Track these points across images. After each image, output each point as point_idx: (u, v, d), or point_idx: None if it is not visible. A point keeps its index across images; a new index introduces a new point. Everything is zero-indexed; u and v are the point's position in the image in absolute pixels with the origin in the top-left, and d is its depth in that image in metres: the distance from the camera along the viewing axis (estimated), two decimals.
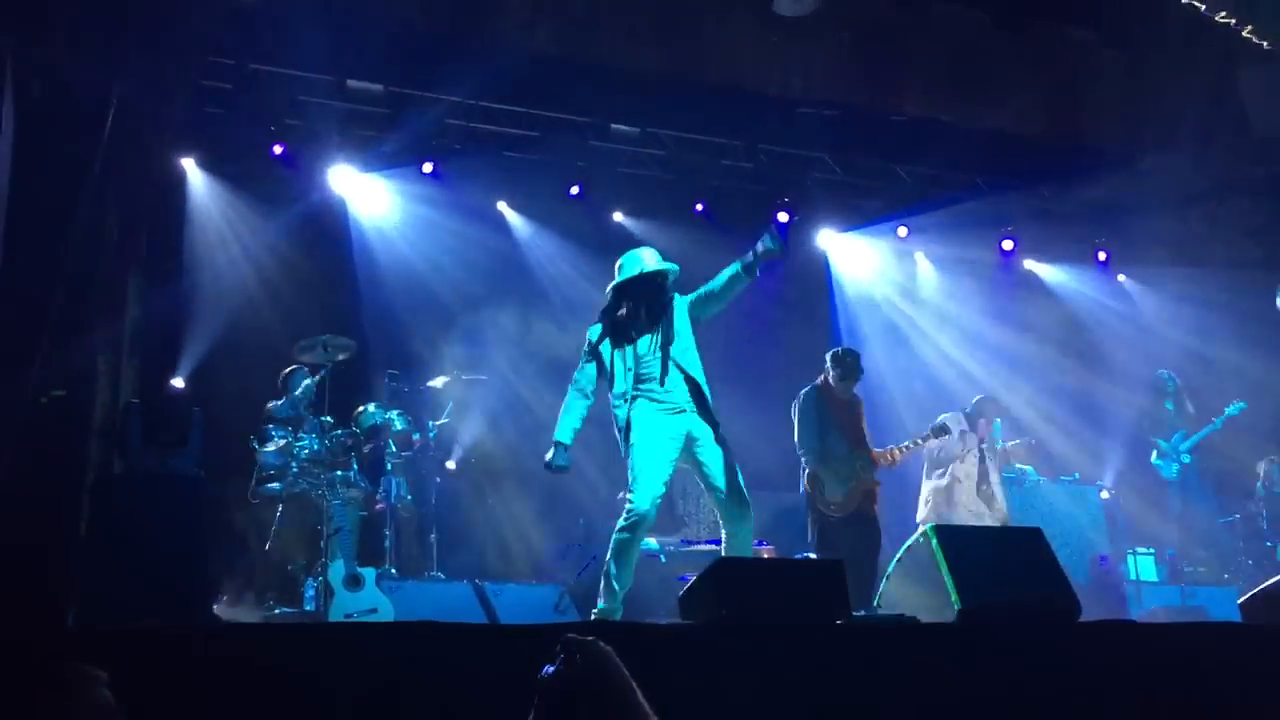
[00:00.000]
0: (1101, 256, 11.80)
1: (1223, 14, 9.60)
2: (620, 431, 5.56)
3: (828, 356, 7.68)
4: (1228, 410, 9.81)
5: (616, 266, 5.82)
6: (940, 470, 8.26)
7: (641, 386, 5.54)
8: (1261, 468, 10.01)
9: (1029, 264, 11.87)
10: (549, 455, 5.62)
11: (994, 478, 8.28)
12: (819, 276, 11.34)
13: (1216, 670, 4.44)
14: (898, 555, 5.00)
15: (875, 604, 4.98)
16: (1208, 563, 9.78)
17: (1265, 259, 10.53)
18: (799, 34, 8.96)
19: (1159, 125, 10.21)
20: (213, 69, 8.36)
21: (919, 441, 7.75)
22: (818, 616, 4.24)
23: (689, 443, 5.50)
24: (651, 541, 7.93)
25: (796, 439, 7.45)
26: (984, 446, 8.30)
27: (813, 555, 7.04)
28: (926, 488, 8.33)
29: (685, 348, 5.67)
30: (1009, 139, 10.21)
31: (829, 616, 4.28)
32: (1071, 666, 4.28)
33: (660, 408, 5.51)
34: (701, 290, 5.82)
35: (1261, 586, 5.18)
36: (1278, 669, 4.46)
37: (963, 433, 8.22)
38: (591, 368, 5.70)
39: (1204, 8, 9.38)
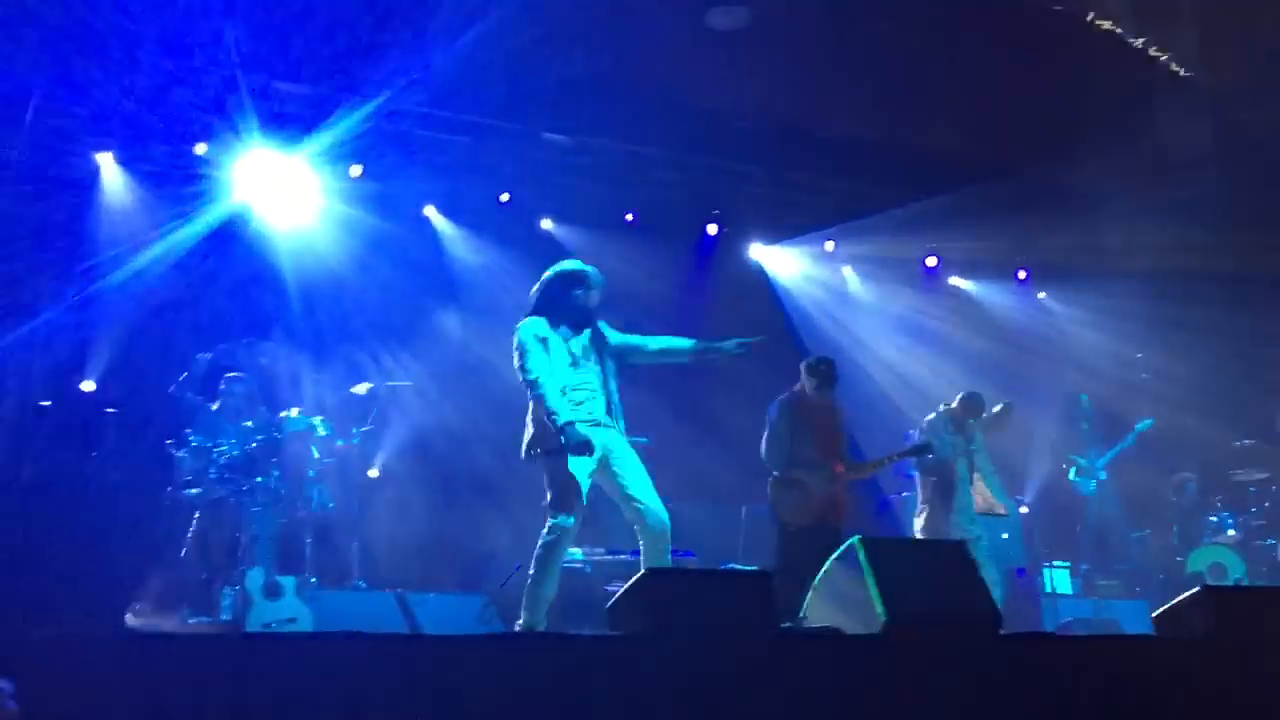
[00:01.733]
0: (1021, 275, 12.07)
1: (1142, 39, 9.87)
2: (538, 432, 5.47)
3: (802, 366, 7.47)
4: (1137, 427, 10.07)
5: (543, 276, 5.79)
6: (934, 476, 8.04)
7: (568, 394, 5.50)
8: (1176, 483, 10.28)
9: (953, 280, 12.07)
10: (565, 439, 5.33)
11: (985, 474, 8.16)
12: (758, 287, 11.41)
13: (1131, 681, 4.51)
14: (824, 567, 5.00)
15: (801, 615, 4.97)
16: (1120, 576, 10.01)
17: (1179, 274, 10.82)
18: (731, 48, 9.02)
19: (1079, 147, 10.46)
20: (133, 65, 8.16)
21: (894, 457, 7.58)
22: (745, 627, 4.23)
23: (606, 456, 5.47)
24: (576, 552, 7.89)
25: (762, 451, 7.29)
26: (973, 448, 8.14)
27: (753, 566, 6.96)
28: (922, 494, 8.08)
29: (610, 365, 5.65)
30: (934, 157, 10.39)
31: (756, 627, 4.26)
32: (993, 677, 4.32)
33: (582, 418, 5.46)
34: (635, 339, 5.80)
35: (1176, 601, 5.29)
36: (1189, 680, 4.55)
37: (952, 434, 8.06)
38: (545, 356, 5.54)
39: (1122, 32, 9.64)
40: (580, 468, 5.36)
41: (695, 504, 8.96)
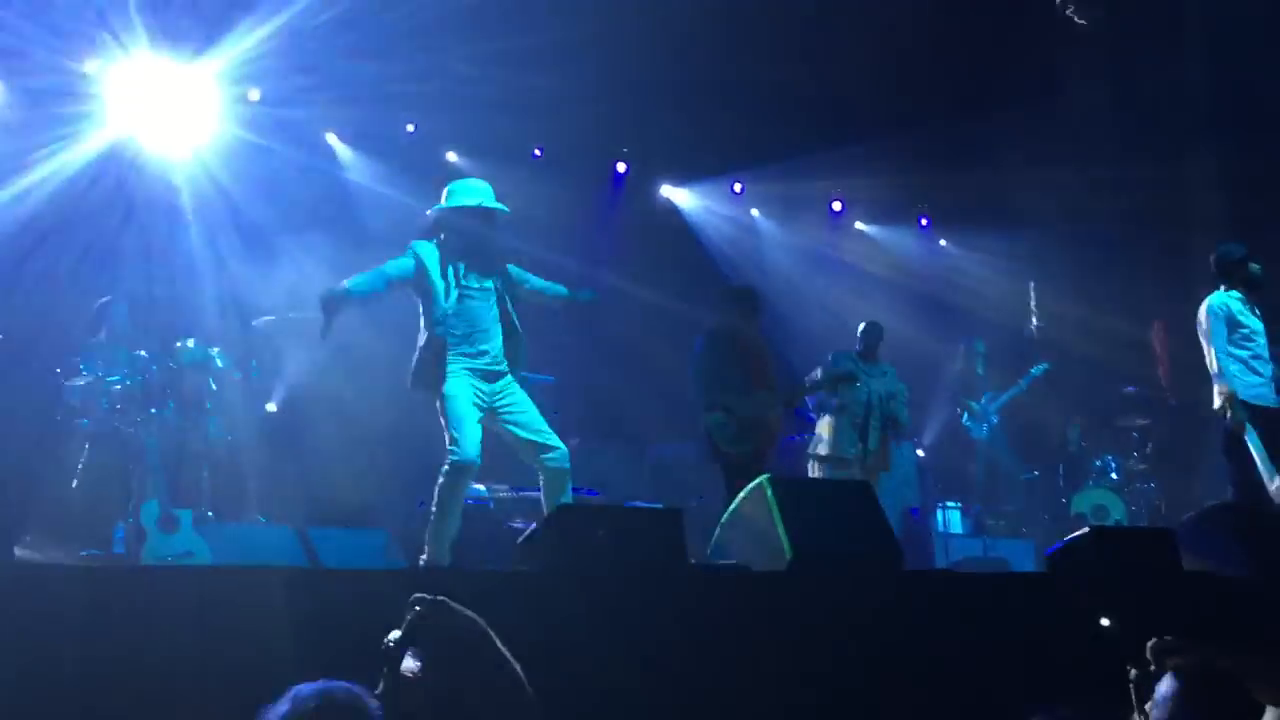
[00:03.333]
0: (924, 221, 12.29)
1: None
2: (426, 369, 5.43)
3: (726, 294, 7.36)
4: (1032, 371, 10.36)
5: (445, 191, 5.66)
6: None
7: (459, 333, 5.45)
8: (1063, 428, 10.64)
9: (858, 224, 12.23)
10: (325, 294, 5.39)
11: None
12: (669, 225, 11.39)
13: (1023, 615, 4.68)
14: (732, 505, 5.07)
15: (708, 551, 5.04)
16: (1008, 517, 10.35)
17: (1073, 223, 11.11)
18: None
19: (981, 92, 10.62)
20: None
21: (824, 383, 7.53)
22: (655, 564, 4.27)
23: (495, 404, 5.46)
24: (481, 488, 7.86)
25: (697, 379, 7.14)
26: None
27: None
28: (824, 424, 8.11)
29: (508, 303, 5.60)
30: (840, 104, 10.46)
31: (665, 564, 4.31)
32: (895, 611, 4.44)
33: (475, 367, 5.44)
34: (530, 278, 5.79)
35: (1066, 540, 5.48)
36: (1075, 614, 4.73)
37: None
38: (409, 272, 5.48)
39: None
40: (467, 405, 5.32)
41: (601, 443, 8.99)
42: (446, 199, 5.61)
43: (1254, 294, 7.06)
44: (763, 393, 7.12)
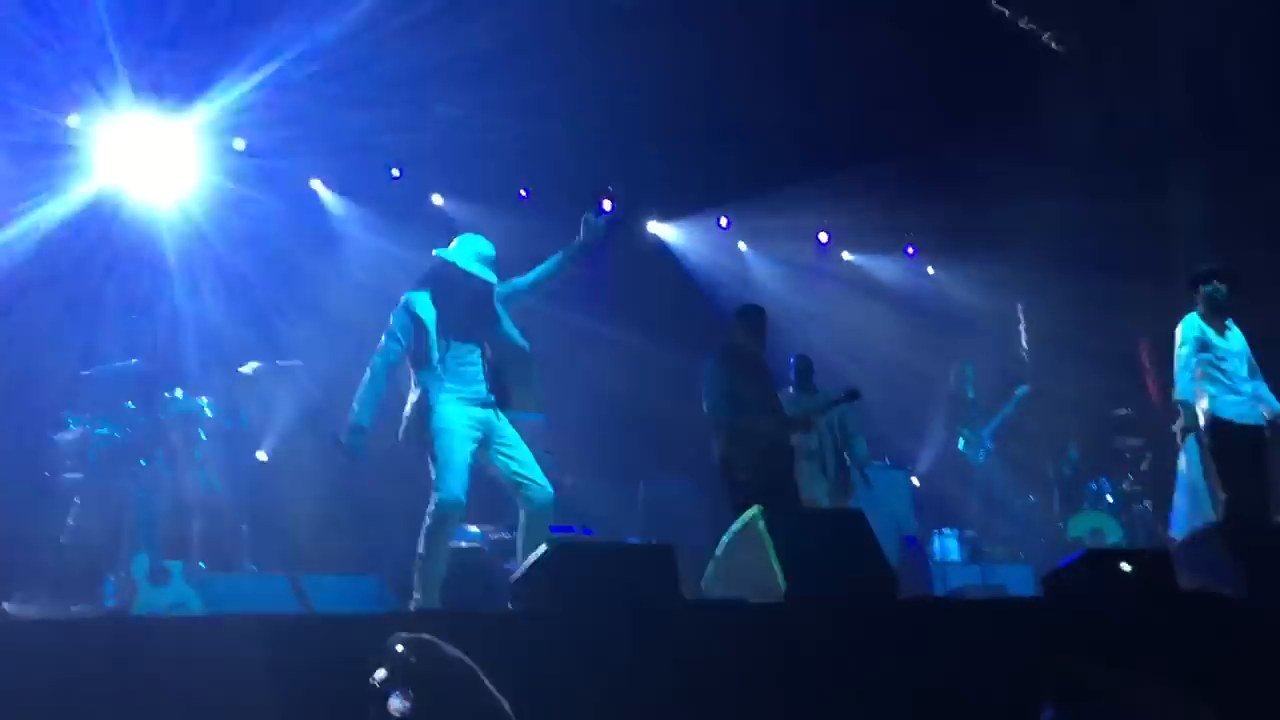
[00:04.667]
0: (910, 250, 12.35)
1: (1024, 20, 10.11)
2: (417, 414, 5.45)
3: (735, 315, 7.26)
4: (1016, 393, 10.38)
5: (456, 240, 5.71)
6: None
7: (449, 373, 5.48)
8: (1057, 451, 10.64)
9: (845, 255, 12.28)
10: (345, 437, 5.40)
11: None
12: (658, 262, 11.42)
13: (1019, 641, 4.65)
14: (724, 538, 5.04)
15: (703, 587, 5.00)
16: (1005, 542, 10.31)
17: (1059, 249, 11.17)
18: (628, 21, 8.97)
19: (963, 120, 10.70)
20: None
21: (835, 402, 7.48)
22: (650, 600, 4.24)
23: (489, 434, 5.48)
24: (474, 530, 7.82)
25: (705, 406, 6.98)
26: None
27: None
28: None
29: (501, 335, 5.62)
30: (822, 136, 10.53)
31: (661, 600, 4.28)
32: (892, 641, 4.41)
33: (466, 396, 5.47)
34: (516, 282, 5.81)
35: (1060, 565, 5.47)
36: (1073, 638, 4.70)
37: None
38: (409, 337, 5.50)
39: (1008, 13, 9.86)
40: (464, 445, 5.33)
41: (593, 481, 8.95)
42: (455, 249, 5.64)
43: (1217, 315, 7.15)
44: (778, 415, 7.03)
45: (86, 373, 7.31)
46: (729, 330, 7.31)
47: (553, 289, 5.96)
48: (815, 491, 7.96)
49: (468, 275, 5.54)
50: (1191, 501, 6.88)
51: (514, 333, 5.70)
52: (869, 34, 9.96)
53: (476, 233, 5.83)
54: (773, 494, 6.55)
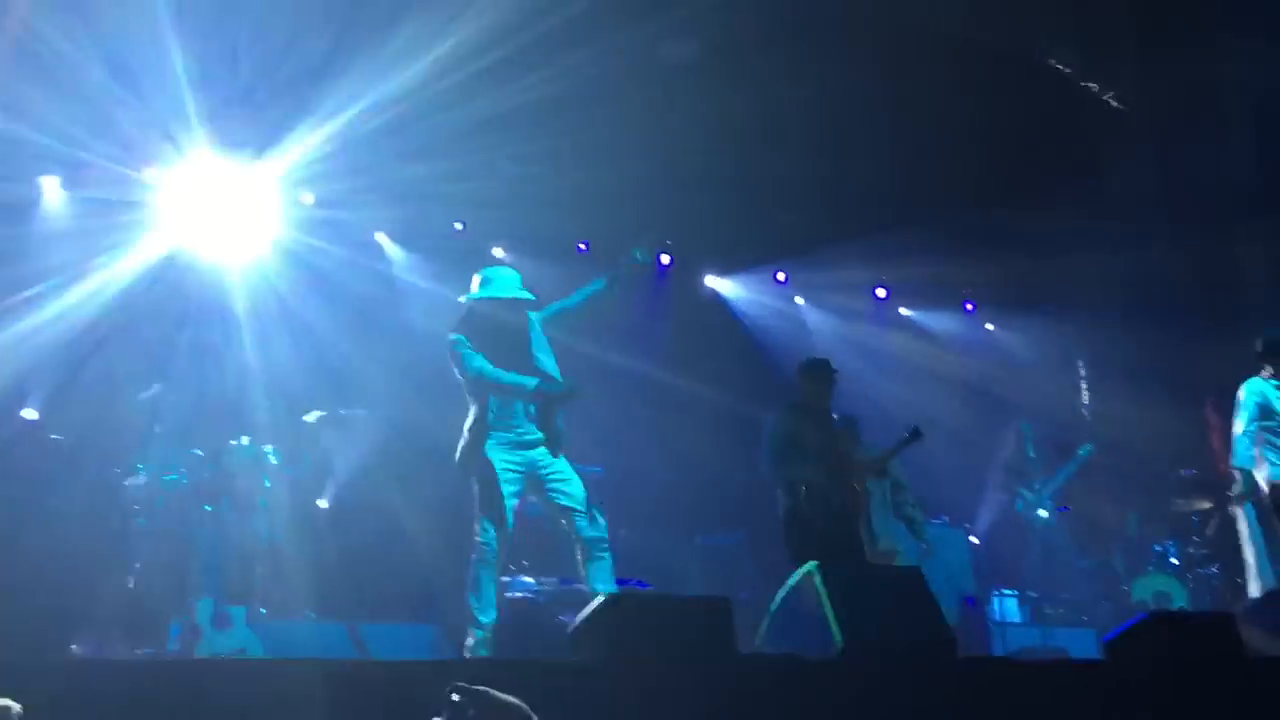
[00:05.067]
0: (969, 306, 12.29)
1: (1087, 79, 10.11)
2: (469, 451, 5.62)
3: (799, 369, 7.26)
4: (1079, 452, 10.24)
5: (478, 279, 5.83)
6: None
7: (492, 414, 5.60)
8: (1120, 513, 10.46)
9: (904, 310, 12.24)
10: (547, 388, 5.55)
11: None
12: (715, 314, 11.47)
13: (1081, 704, 4.58)
14: (780, 593, 5.02)
15: (758, 642, 4.98)
16: (1067, 605, 10.12)
17: (1122, 306, 11.06)
18: (687, 75, 9.10)
19: (1024, 177, 10.67)
20: (77, 88, 8.06)
21: (898, 449, 7.45)
22: (706, 653, 4.23)
23: (538, 473, 5.58)
24: (529, 580, 7.84)
25: (765, 459, 6.96)
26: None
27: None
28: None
29: (548, 358, 5.69)
30: (881, 191, 10.55)
31: (717, 653, 4.27)
32: (950, 702, 4.36)
33: (510, 438, 5.59)
34: (556, 306, 5.92)
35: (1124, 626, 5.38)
36: (1138, 703, 4.62)
37: None
38: (479, 353, 5.62)
39: (1069, 71, 9.85)
40: (506, 488, 5.43)
41: (649, 534, 8.94)
42: (480, 288, 5.75)
43: None
44: (843, 467, 7.01)
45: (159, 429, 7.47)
46: (796, 383, 7.27)
47: (596, 309, 6.05)
48: (895, 544, 7.91)
49: (508, 304, 5.65)
50: (1258, 567, 6.77)
51: (553, 368, 5.76)
52: (930, 89, 10.00)
53: (499, 265, 5.99)
54: (838, 548, 6.56)
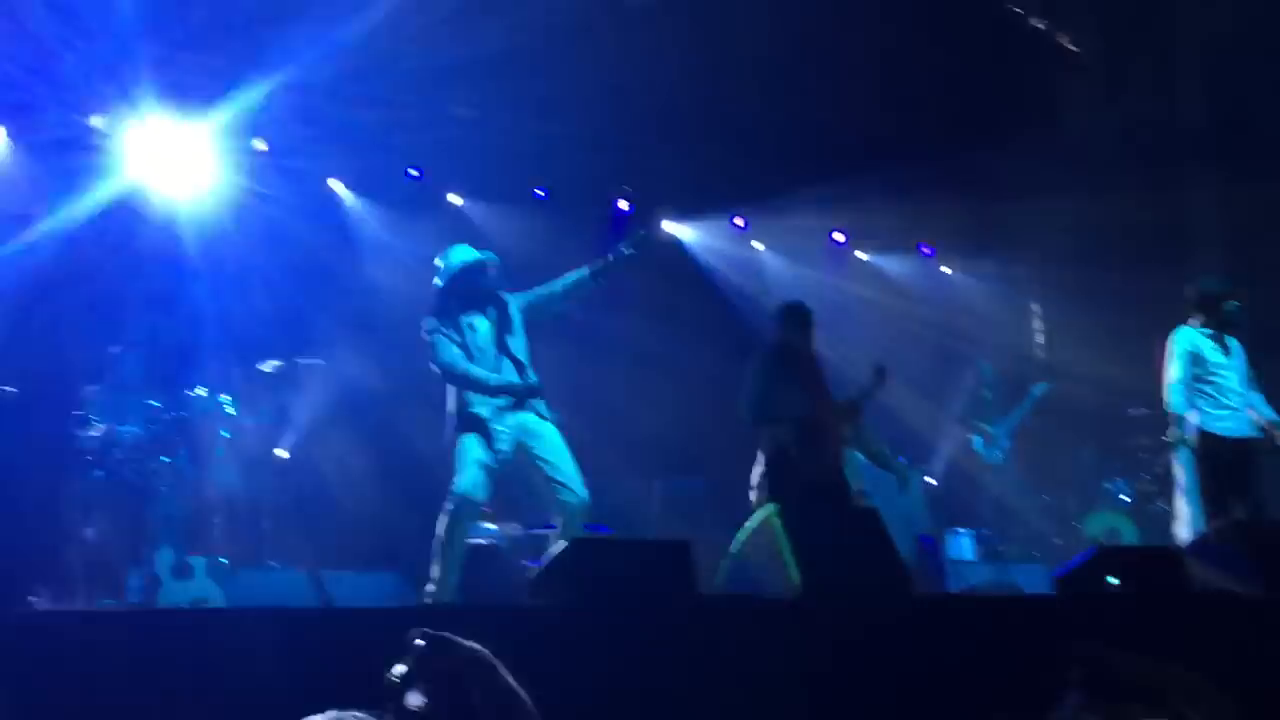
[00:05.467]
0: (926, 250, 12.37)
1: (1040, 20, 10.12)
2: (450, 419, 5.68)
3: (778, 312, 7.23)
4: (1033, 391, 10.40)
5: (437, 264, 5.87)
6: None
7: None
8: (1072, 451, 10.65)
9: (861, 254, 12.31)
10: (520, 382, 5.62)
11: None
12: (674, 261, 11.46)
13: (1032, 637, 4.69)
14: (739, 535, 5.10)
15: (718, 582, 5.06)
16: (1019, 541, 10.32)
17: (1074, 252, 11.18)
18: (645, 20, 9.03)
19: (982, 121, 10.72)
20: (20, 31, 7.85)
21: (872, 394, 7.40)
22: (666, 595, 4.29)
23: (522, 435, 5.57)
24: (492, 528, 7.89)
25: (748, 402, 6.88)
26: None
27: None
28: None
29: (519, 343, 5.73)
30: (839, 136, 10.56)
31: (677, 594, 4.33)
32: (905, 638, 4.45)
33: (491, 409, 5.62)
34: (540, 292, 5.96)
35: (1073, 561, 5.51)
36: (1085, 635, 4.74)
37: None
38: (456, 344, 5.68)
39: (1027, 16, 9.87)
40: (484, 445, 5.47)
41: (609, 478, 8.99)
42: (440, 276, 5.86)
43: (1227, 330, 7.20)
44: (828, 409, 7.02)
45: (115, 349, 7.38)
46: (777, 326, 7.24)
47: (577, 301, 6.06)
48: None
49: (479, 275, 5.68)
50: (1186, 509, 6.95)
51: (524, 354, 5.78)
52: (886, 34, 9.98)
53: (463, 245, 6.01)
54: (824, 492, 6.67)
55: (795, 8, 9.59)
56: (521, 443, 5.60)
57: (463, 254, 5.88)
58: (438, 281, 5.87)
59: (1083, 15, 10.93)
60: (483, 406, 5.59)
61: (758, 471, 6.96)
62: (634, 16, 9.06)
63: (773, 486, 6.79)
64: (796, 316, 7.16)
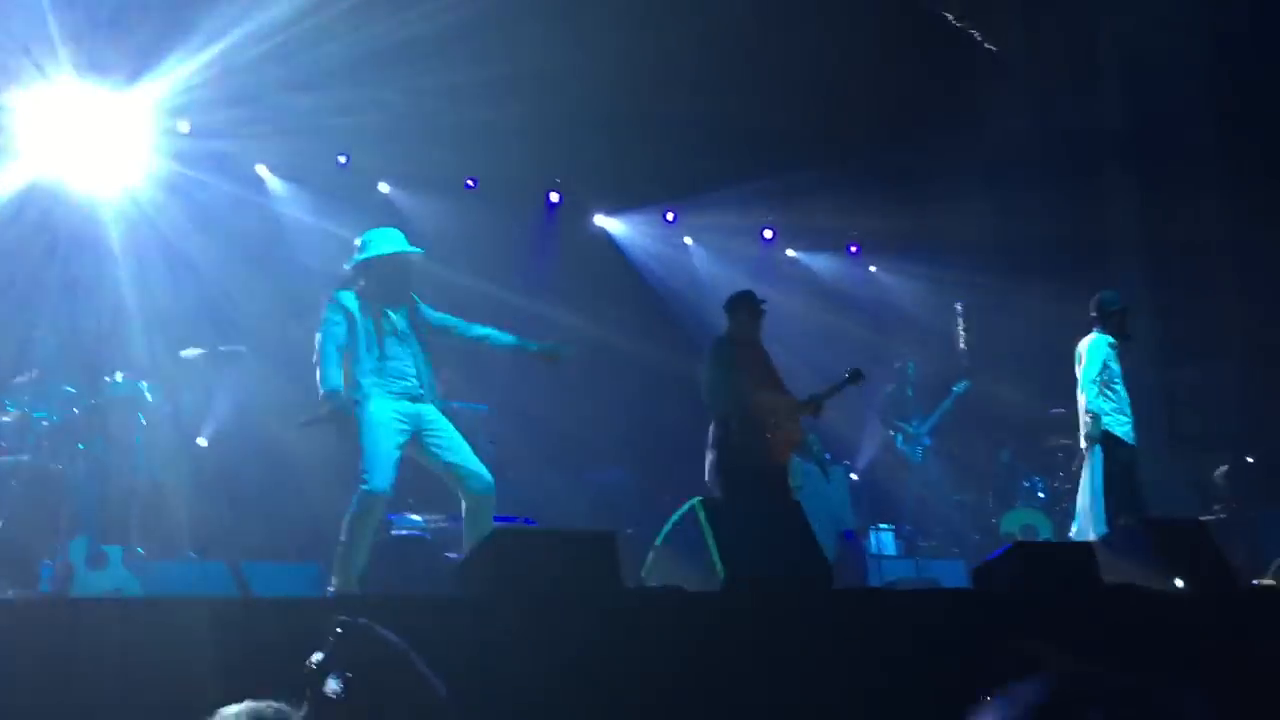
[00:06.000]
0: (854, 249, 12.53)
1: (962, 20, 10.29)
2: (350, 409, 5.56)
3: (727, 304, 7.21)
4: (954, 389, 10.57)
5: (360, 242, 5.81)
6: None
7: (380, 367, 5.61)
8: (992, 450, 10.86)
9: (790, 251, 12.42)
10: (326, 408, 5.51)
11: None
12: (604, 254, 11.46)
13: (950, 630, 4.78)
14: (664, 528, 5.12)
15: (643, 575, 5.08)
16: (939, 538, 10.50)
17: (997, 253, 11.39)
18: (574, 18, 9.01)
19: (909, 123, 10.87)
20: None
21: (837, 388, 7.32)
22: (592, 586, 4.30)
23: (420, 427, 5.58)
24: (417, 519, 7.83)
25: (705, 392, 6.89)
26: None
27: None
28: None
29: (424, 339, 5.74)
30: (769, 134, 10.64)
31: (602, 586, 4.34)
32: (826, 630, 4.51)
33: (395, 391, 5.59)
34: (453, 320, 5.95)
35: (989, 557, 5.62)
36: (1000, 628, 4.84)
37: None
38: (343, 329, 5.63)
39: (954, 19, 10.02)
40: (391, 438, 5.42)
41: (537, 471, 8.99)
42: (364, 250, 5.78)
43: (1120, 340, 7.62)
44: (786, 404, 7.01)
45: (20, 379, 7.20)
46: (728, 318, 7.23)
47: (472, 347, 6.19)
48: None
49: (395, 261, 5.65)
50: (1092, 505, 7.20)
51: (413, 364, 5.76)
52: (819, 33, 10.07)
53: (383, 227, 5.97)
54: (768, 481, 6.70)
55: (728, 4, 9.65)
56: (419, 429, 5.57)
57: (397, 242, 5.81)
58: (361, 257, 5.77)
59: (1010, 18, 11.13)
60: (380, 396, 5.52)
61: (709, 459, 6.99)
62: (569, 6, 9.03)
63: (721, 474, 6.81)
64: (745, 305, 7.20)
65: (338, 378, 5.53)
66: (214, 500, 7.77)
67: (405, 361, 5.67)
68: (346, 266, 5.88)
